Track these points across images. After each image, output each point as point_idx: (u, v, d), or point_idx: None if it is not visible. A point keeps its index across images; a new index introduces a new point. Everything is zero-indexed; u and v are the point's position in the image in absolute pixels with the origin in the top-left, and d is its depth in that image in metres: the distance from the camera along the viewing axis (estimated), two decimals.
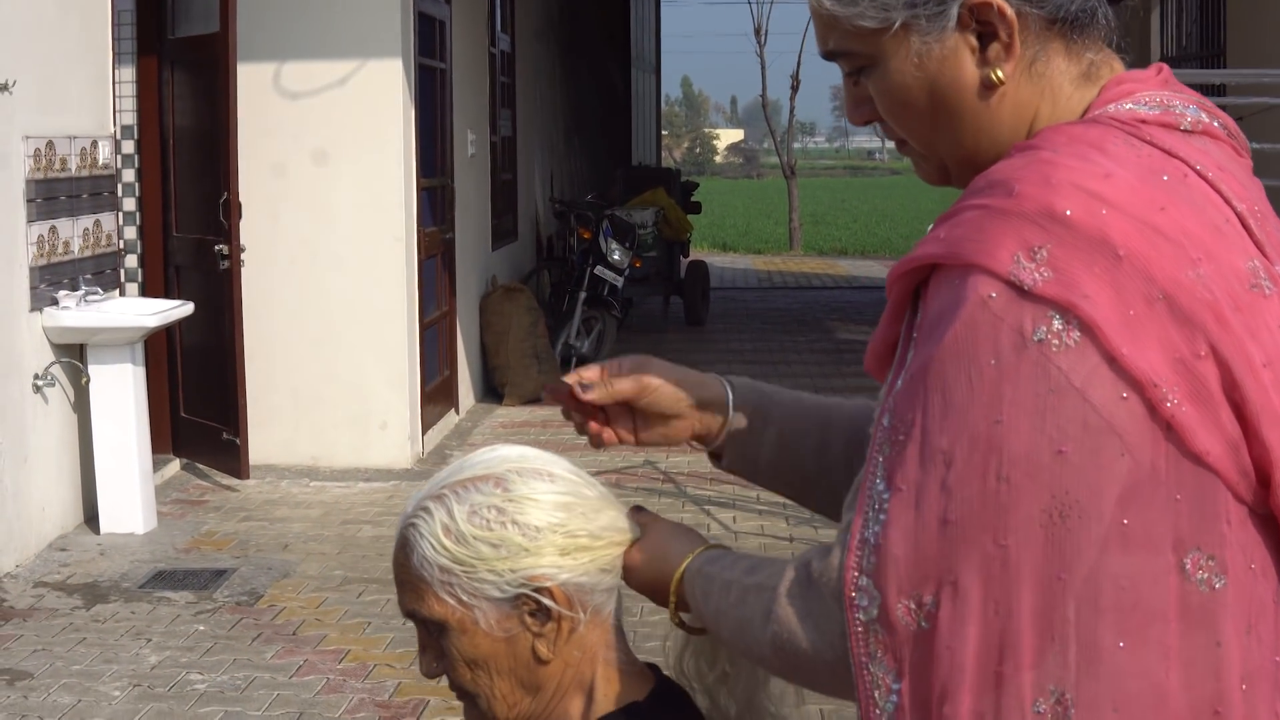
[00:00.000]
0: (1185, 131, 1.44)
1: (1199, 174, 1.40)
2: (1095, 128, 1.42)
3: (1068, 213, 1.34)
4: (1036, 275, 1.33)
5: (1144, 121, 1.43)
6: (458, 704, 5.17)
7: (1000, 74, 1.45)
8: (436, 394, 9.53)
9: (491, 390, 10.86)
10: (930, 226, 1.48)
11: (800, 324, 15.58)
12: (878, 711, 1.39)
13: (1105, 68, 1.50)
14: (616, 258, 12.07)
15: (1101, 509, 1.32)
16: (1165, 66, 1.52)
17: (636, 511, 1.78)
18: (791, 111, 32.19)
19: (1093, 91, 1.48)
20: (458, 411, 10.09)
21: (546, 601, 1.67)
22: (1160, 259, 1.33)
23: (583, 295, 11.80)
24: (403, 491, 7.99)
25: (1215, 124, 1.47)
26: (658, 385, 1.77)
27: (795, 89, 30.57)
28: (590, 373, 1.77)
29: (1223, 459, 1.34)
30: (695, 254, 18.64)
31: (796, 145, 35.51)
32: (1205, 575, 1.34)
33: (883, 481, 1.39)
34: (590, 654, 1.72)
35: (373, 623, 5.94)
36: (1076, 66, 1.48)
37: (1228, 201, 1.40)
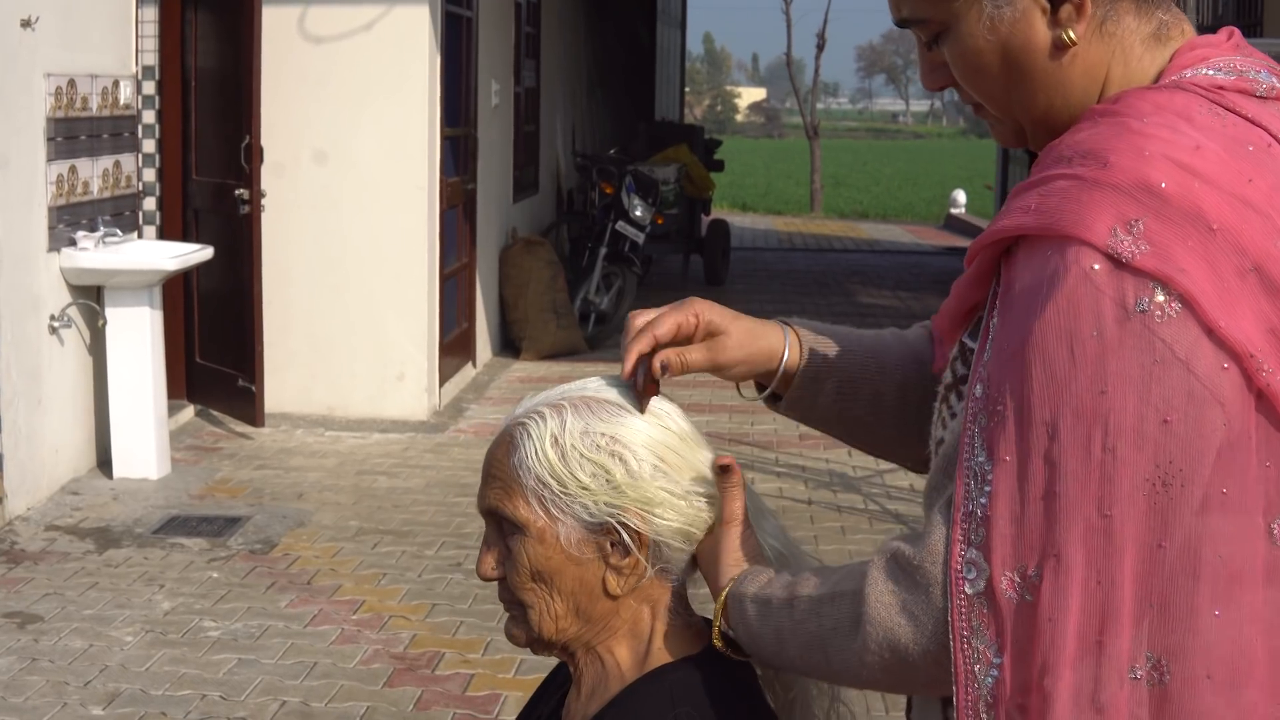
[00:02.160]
0: (1260, 98, 1.45)
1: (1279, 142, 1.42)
2: (1180, 95, 1.43)
3: (1163, 185, 1.35)
4: (1135, 248, 1.34)
5: (1223, 88, 1.43)
6: (474, 657, 5.06)
7: (1072, 34, 1.46)
8: (454, 346, 9.47)
9: (509, 344, 10.79)
10: (1008, 196, 1.47)
11: (820, 286, 15.49)
12: (976, 687, 1.39)
13: (1175, 28, 1.51)
14: (639, 214, 11.97)
15: (1201, 477, 1.34)
16: (1236, 31, 1.52)
17: (722, 475, 1.71)
18: (816, 71, 32.04)
19: (1164, 54, 1.49)
20: (475, 365, 10.02)
21: (629, 540, 1.66)
22: (1251, 231, 1.35)
23: (603, 250, 11.70)
24: (419, 443, 7.94)
25: None
26: (726, 348, 1.74)
27: (821, 48, 30.40)
28: (664, 352, 1.71)
29: None
30: (716, 213, 18.54)
31: (819, 106, 35.32)
32: None
33: (983, 453, 1.40)
34: (652, 607, 1.72)
35: (388, 574, 5.88)
36: (1147, 25, 1.49)
37: None
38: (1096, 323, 1.34)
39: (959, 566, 1.39)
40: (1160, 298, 1.33)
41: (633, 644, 1.72)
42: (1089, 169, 1.38)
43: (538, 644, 1.74)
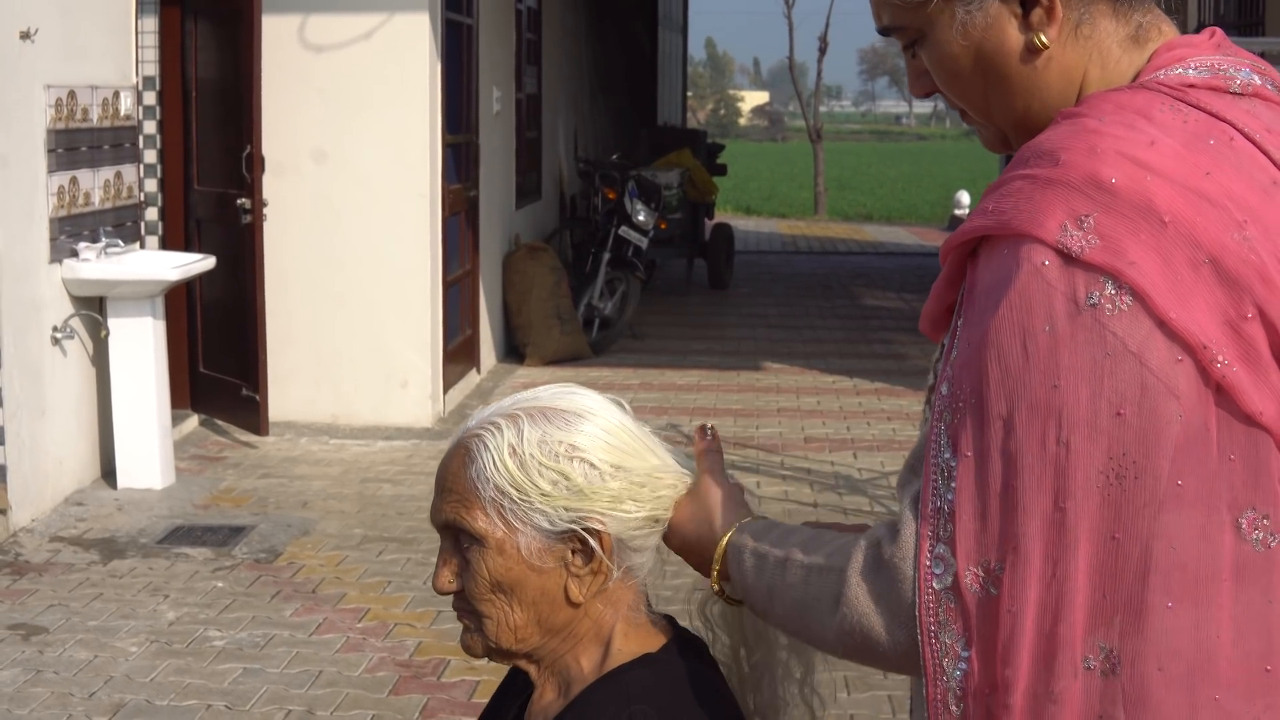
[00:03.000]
0: (1234, 94, 1.45)
1: (1246, 136, 1.42)
2: (1141, 94, 1.44)
3: (1113, 180, 1.37)
4: (1084, 243, 1.36)
5: (1191, 86, 1.45)
6: (479, 663, 5.06)
7: (1044, 39, 1.48)
8: (458, 353, 9.46)
9: (513, 350, 10.78)
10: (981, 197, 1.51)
11: (825, 289, 15.48)
12: (945, 680, 1.41)
13: (1154, 30, 1.52)
14: (642, 218, 11.96)
15: (1157, 470, 1.34)
16: (1219, 30, 1.54)
17: (704, 458, 1.76)
18: (819, 74, 32.03)
19: (1143, 56, 1.50)
20: (479, 371, 10.02)
21: (593, 544, 1.67)
22: (1205, 223, 1.35)
23: (607, 256, 11.68)
24: (423, 451, 7.93)
25: (1268, 86, 1.48)
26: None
27: (823, 51, 30.40)
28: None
29: (1275, 419, 1.36)
30: (719, 217, 18.54)
31: (823, 109, 35.31)
32: (1261, 535, 1.36)
33: (949, 450, 1.42)
34: (614, 609, 1.73)
35: (393, 582, 5.87)
36: (1125, 28, 1.50)
37: (1276, 163, 1.41)
38: (1048, 318, 1.36)
39: (928, 562, 1.41)
40: (1110, 291, 1.35)
41: (595, 647, 1.73)
42: (1042, 168, 1.41)
43: (496, 653, 1.74)
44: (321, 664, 5.06)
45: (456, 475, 1.71)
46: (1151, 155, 1.37)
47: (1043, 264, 1.36)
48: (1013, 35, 1.49)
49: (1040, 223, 1.37)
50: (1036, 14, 1.48)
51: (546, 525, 1.67)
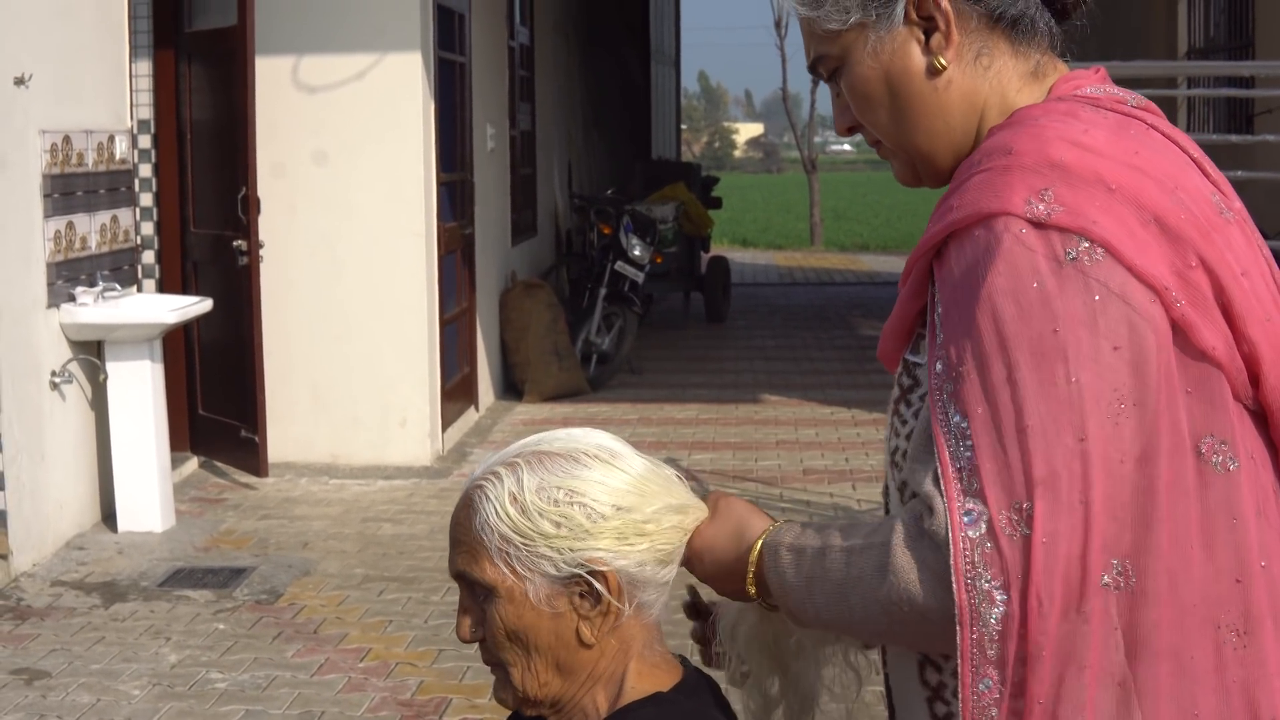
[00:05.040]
0: (1131, 108, 1.67)
1: (1156, 129, 1.64)
2: (1063, 103, 1.65)
3: (1062, 159, 1.55)
4: (1050, 209, 1.52)
5: (1099, 100, 1.66)
6: (481, 702, 5.08)
7: (943, 61, 1.66)
8: (456, 391, 9.47)
9: (512, 387, 10.79)
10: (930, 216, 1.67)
11: (822, 320, 15.49)
12: (981, 625, 1.48)
13: (1050, 67, 1.71)
14: (637, 253, 11.98)
15: (1149, 399, 1.50)
16: (1102, 68, 1.74)
17: (711, 493, 1.82)
18: (813, 105, 32.05)
19: (1042, 89, 1.69)
20: (477, 409, 10.02)
21: (599, 586, 1.69)
22: (1145, 189, 1.55)
23: (603, 291, 11.70)
24: (423, 489, 7.93)
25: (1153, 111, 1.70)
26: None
27: (816, 82, 30.40)
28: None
29: (1223, 355, 1.54)
30: (715, 250, 18.56)
31: (817, 139, 35.39)
32: (1220, 459, 1.54)
33: (958, 414, 1.53)
34: (626, 647, 1.74)
35: (394, 621, 5.87)
36: (1024, 64, 1.70)
37: (1184, 150, 1.64)
38: (1035, 275, 1.51)
39: (960, 517, 1.49)
40: (1084, 246, 1.51)
41: (610, 685, 1.74)
42: (997, 160, 1.58)
43: (526, 703, 1.76)
44: (324, 704, 5.05)
45: (464, 527, 1.73)
46: (1089, 139, 1.56)
47: (1020, 231, 1.52)
48: (916, 57, 1.67)
49: (1007, 199, 1.53)
50: (936, 39, 1.66)
51: (552, 571, 1.68)
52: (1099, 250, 1.51)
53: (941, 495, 1.51)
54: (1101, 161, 1.55)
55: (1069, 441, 1.47)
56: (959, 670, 1.50)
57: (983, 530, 1.48)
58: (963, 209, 1.57)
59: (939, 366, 1.56)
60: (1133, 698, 1.51)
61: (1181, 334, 1.53)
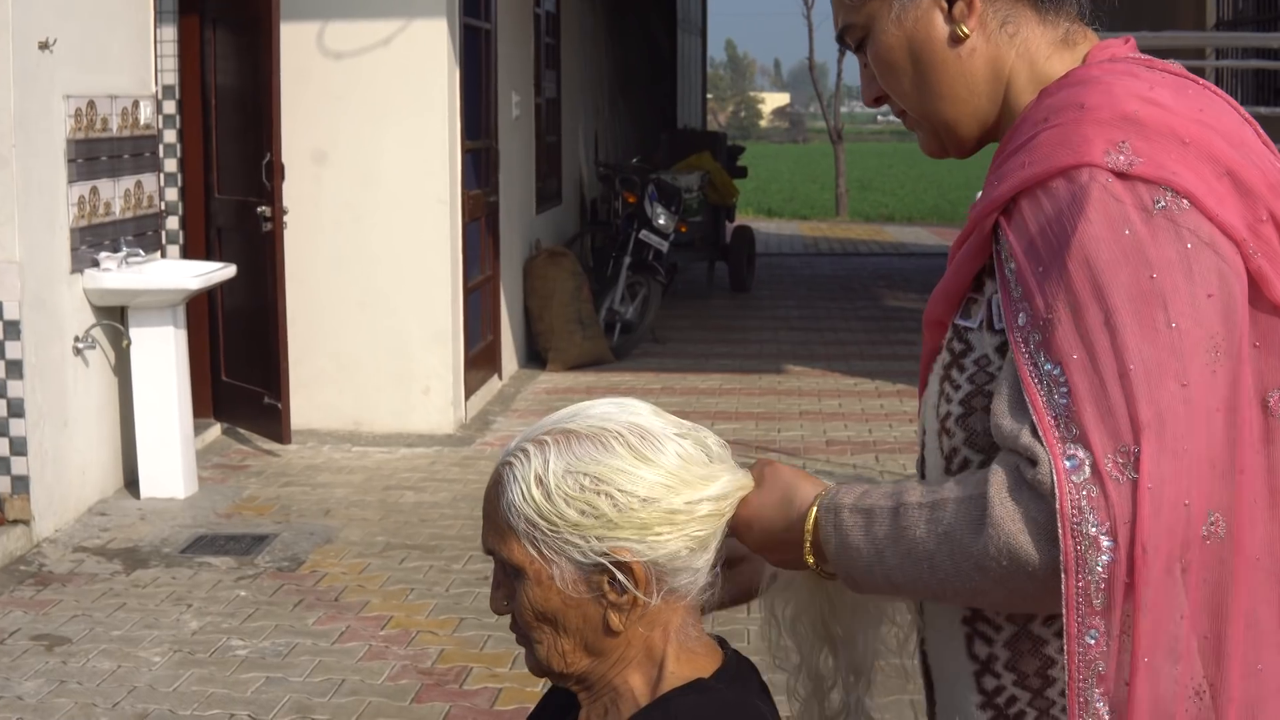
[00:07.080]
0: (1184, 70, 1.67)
1: (1211, 90, 1.63)
2: (1116, 64, 1.63)
3: (1136, 112, 1.54)
4: (1131, 160, 1.51)
5: (1152, 62, 1.65)
6: (501, 671, 5.08)
7: (965, 29, 1.66)
8: (480, 359, 9.45)
9: (535, 355, 10.77)
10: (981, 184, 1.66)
11: (846, 290, 15.45)
12: (1087, 573, 1.45)
13: (1081, 36, 1.70)
14: (662, 222, 11.94)
15: (1236, 347, 1.50)
16: (1131, 38, 1.72)
17: (756, 461, 1.76)
18: (839, 75, 31.89)
19: (1076, 56, 1.68)
20: (501, 377, 10.01)
21: (622, 579, 1.65)
22: (1216, 144, 1.54)
23: (627, 260, 11.67)
24: (445, 457, 7.92)
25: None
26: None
27: (843, 52, 30.30)
28: None
29: None
30: (740, 219, 18.50)
31: (843, 109, 35.24)
32: None
33: (1049, 362, 1.50)
34: (663, 630, 1.70)
35: (415, 589, 5.87)
36: (1053, 32, 1.68)
37: (1237, 110, 1.64)
38: (1126, 224, 1.50)
39: (1064, 464, 1.46)
40: (1170, 195, 1.50)
41: (646, 669, 1.71)
42: (1068, 115, 1.57)
43: (551, 675, 1.73)
44: (344, 672, 5.05)
45: (493, 505, 1.70)
46: (1157, 95, 1.56)
47: (1106, 181, 1.51)
48: (939, 25, 1.67)
49: (1086, 151, 1.52)
50: (958, 7, 1.66)
51: (579, 557, 1.65)
52: (1184, 201, 1.50)
53: (1043, 445, 1.48)
54: (1172, 116, 1.54)
55: (1172, 386, 1.46)
56: (1064, 623, 1.47)
57: (1087, 474, 1.45)
58: (1037, 164, 1.56)
59: (1020, 319, 1.53)
60: (1220, 651, 1.50)
61: (1254, 287, 1.53)
